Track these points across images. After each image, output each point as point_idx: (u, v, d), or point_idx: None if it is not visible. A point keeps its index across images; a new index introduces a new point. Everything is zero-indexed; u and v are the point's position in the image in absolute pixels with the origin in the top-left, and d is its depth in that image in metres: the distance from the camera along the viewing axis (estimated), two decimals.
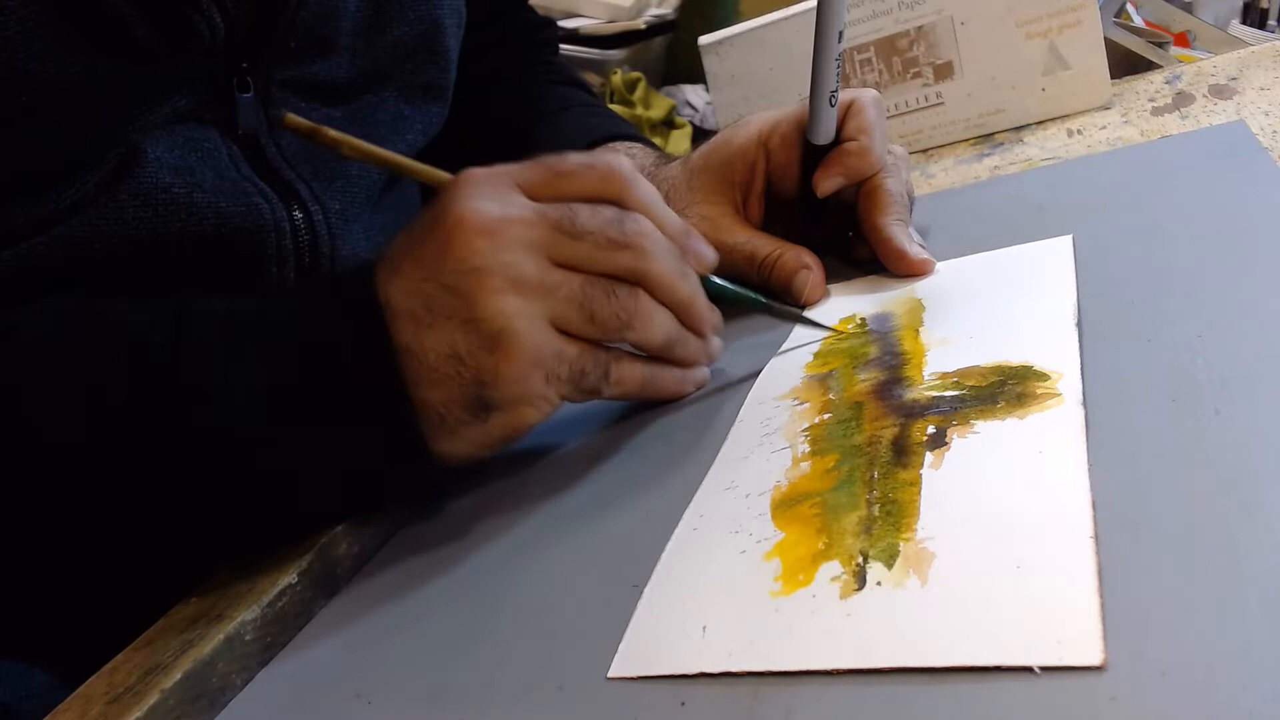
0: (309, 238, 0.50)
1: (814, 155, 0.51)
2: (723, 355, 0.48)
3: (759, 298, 0.47)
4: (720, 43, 0.75)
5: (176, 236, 0.45)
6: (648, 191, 0.40)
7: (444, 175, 0.42)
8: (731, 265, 0.52)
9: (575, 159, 0.39)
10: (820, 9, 0.47)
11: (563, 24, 1.40)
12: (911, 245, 0.48)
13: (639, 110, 1.33)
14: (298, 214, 0.50)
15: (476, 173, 0.38)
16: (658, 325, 0.40)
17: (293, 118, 0.41)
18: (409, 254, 0.38)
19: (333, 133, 0.41)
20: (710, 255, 0.43)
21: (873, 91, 0.51)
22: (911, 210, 0.51)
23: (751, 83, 0.75)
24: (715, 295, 0.44)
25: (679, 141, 1.35)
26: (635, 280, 0.39)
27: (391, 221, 0.58)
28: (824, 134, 0.50)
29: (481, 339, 0.36)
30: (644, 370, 0.42)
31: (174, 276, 0.46)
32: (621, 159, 0.40)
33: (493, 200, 0.37)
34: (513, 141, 0.67)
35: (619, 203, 0.39)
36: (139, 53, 0.43)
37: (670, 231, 0.40)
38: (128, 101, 0.44)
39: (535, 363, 0.37)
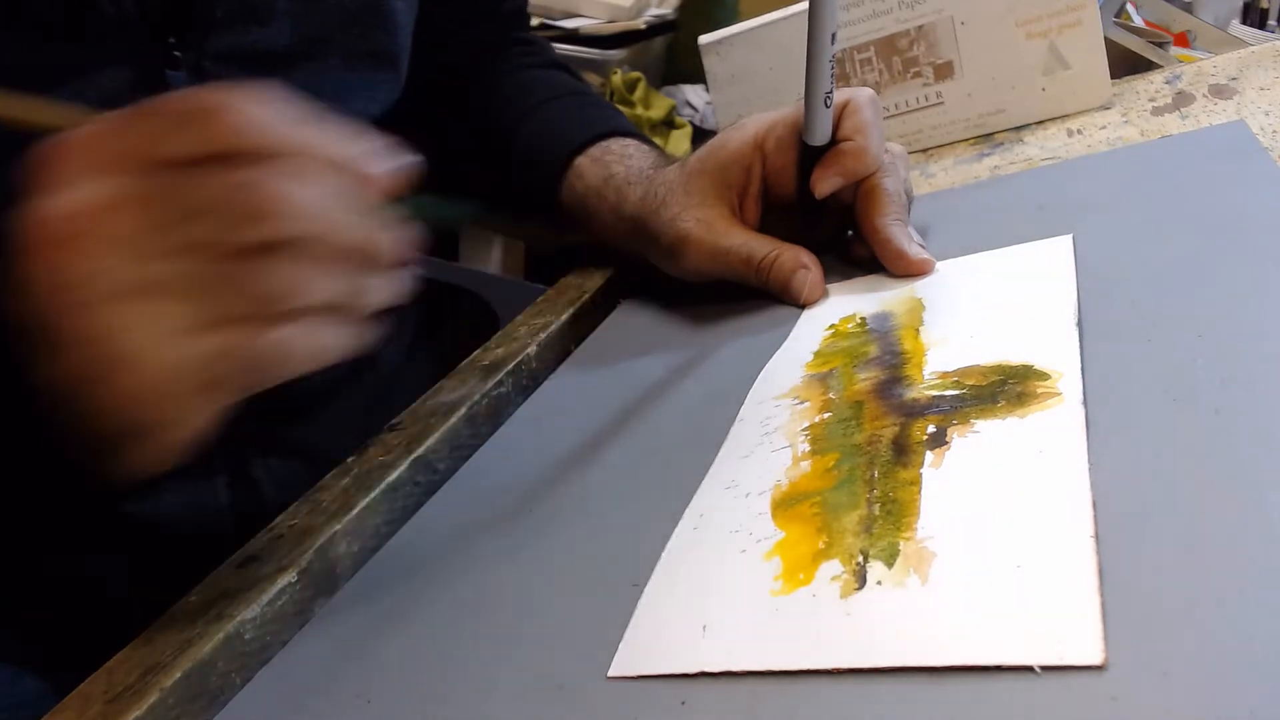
0: None
1: (811, 156, 0.51)
2: (722, 355, 0.48)
3: (466, 209, 0.41)
4: (720, 43, 0.75)
5: None
6: (273, 122, 0.31)
7: (64, 118, 0.34)
8: (729, 268, 0.52)
9: (175, 102, 0.31)
10: (812, 11, 0.47)
11: (562, 24, 1.41)
12: (911, 245, 0.48)
13: (639, 110, 1.33)
14: None
15: (65, 144, 0.31)
16: (325, 288, 0.32)
17: None
18: (14, 254, 0.31)
19: None
20: (384, 173, 0.34)
21: (868, 90, 0.51)
22: (910, 209, 0.51)
23: (751, 83, 0.75)
24: (416, 214, 0.36)
25: (679, 141, 1.35)
26: (284, 246, 0.31)
27: None
28: (820, 135, 0.50)
29: (100, 363, 0.30)
30: (315, 336, 0.33)
31: None
32: (236, 87, 0.31)
33: (75, 190, 0.30)
34: (499, 134, 0.65)
35: (239, 149, 0.30)
36: (48, 29, 0.41)
37: (325, 160, 0.32)
38: (47, 82, 0.42)
39: (172, 376, 0.30)
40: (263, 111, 0.31)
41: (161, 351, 0.30)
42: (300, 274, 0.31)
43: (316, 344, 0.33)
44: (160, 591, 0.40)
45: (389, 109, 0.59)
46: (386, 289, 0.35)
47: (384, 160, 0.34)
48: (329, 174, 0.32)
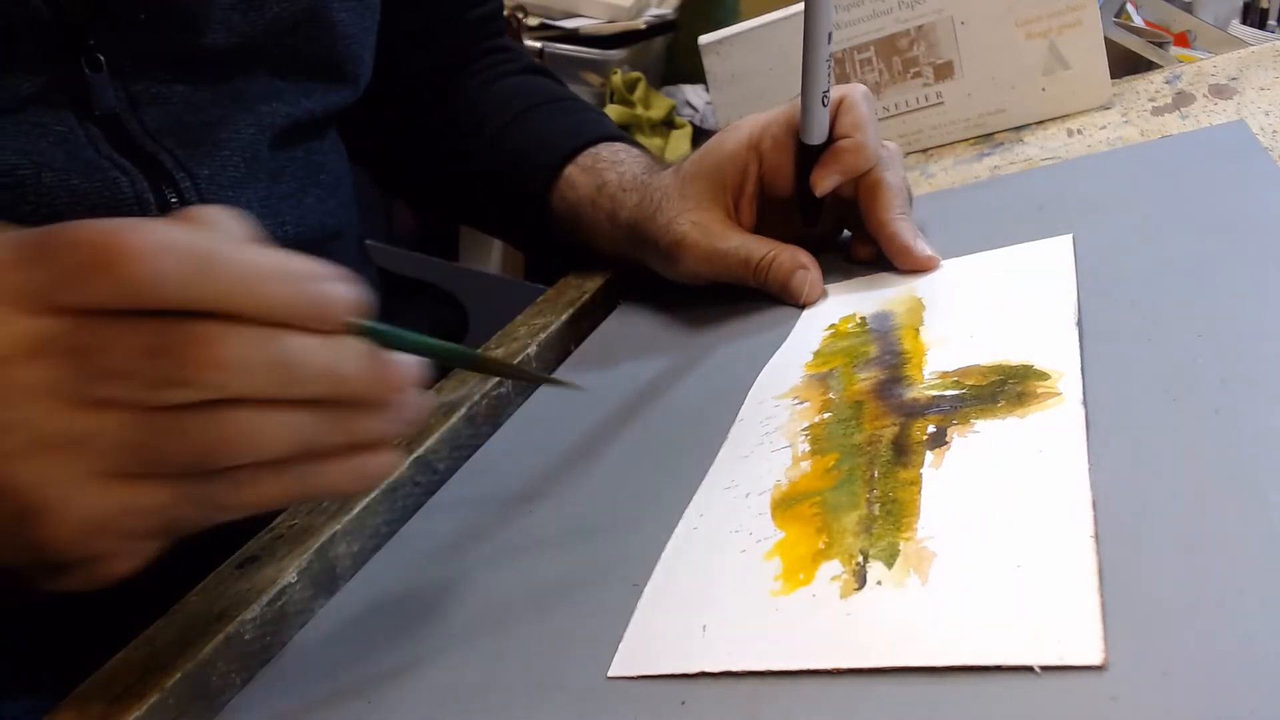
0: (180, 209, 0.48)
1: (808, 155, 0.51)
2: (722, 355, 0.48)
3: (456, 348, 0.35)
4: (720, 43, 0.75)
5: (28, 220, 0.43)
6: (190, 270, 0.28)
7: None
8: (727, 270, 0.52)
9: (76, 247, 0.27)
10: (808, 11, 0.47)
11: (562, 24, 1.41)
12: (917, 241, 0.48)
13: (639, 110, 1.33)
14: (170, 192, 0.47)
15: None
16: (273, 439, 0.29)
17: None
18: None
19: None
20: (336, 302, 0.30)
21: (862, 87, 0.51)
22: (910, 206, 0.51)
23: (751, 83, 0.75)
24: (405, 346, 0.32)
25: (679, 141, 1.35)
26: (218, 403, 0.28)
27: (296, 189, 0.55)
28: (818, 134, 0.50)
29: (14, 511, 0.28)
30: (282, 483, 0.31)
31: None
32: (141, 228, 0.28)
33: None
34: (481, 147, 0.65)
35: (153, 304, 0.27)
36: None
37: (259, 303, 0.29)
38: None
39: (90, 529, 0.29)
40: (175, 258, 0.27)
41: (82, 500, 0.28)
42: (232, 430, 0.28)
43: (267, 493, 0.31)
44: (81, 604, 0.38)
45: (337, 112, 0.58)
46: (375, 428, 0.32)
47: (330, 284, 0.30)
48: (265, 316, 0.29)
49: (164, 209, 0.47)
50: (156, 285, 0.27)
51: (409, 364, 0.32)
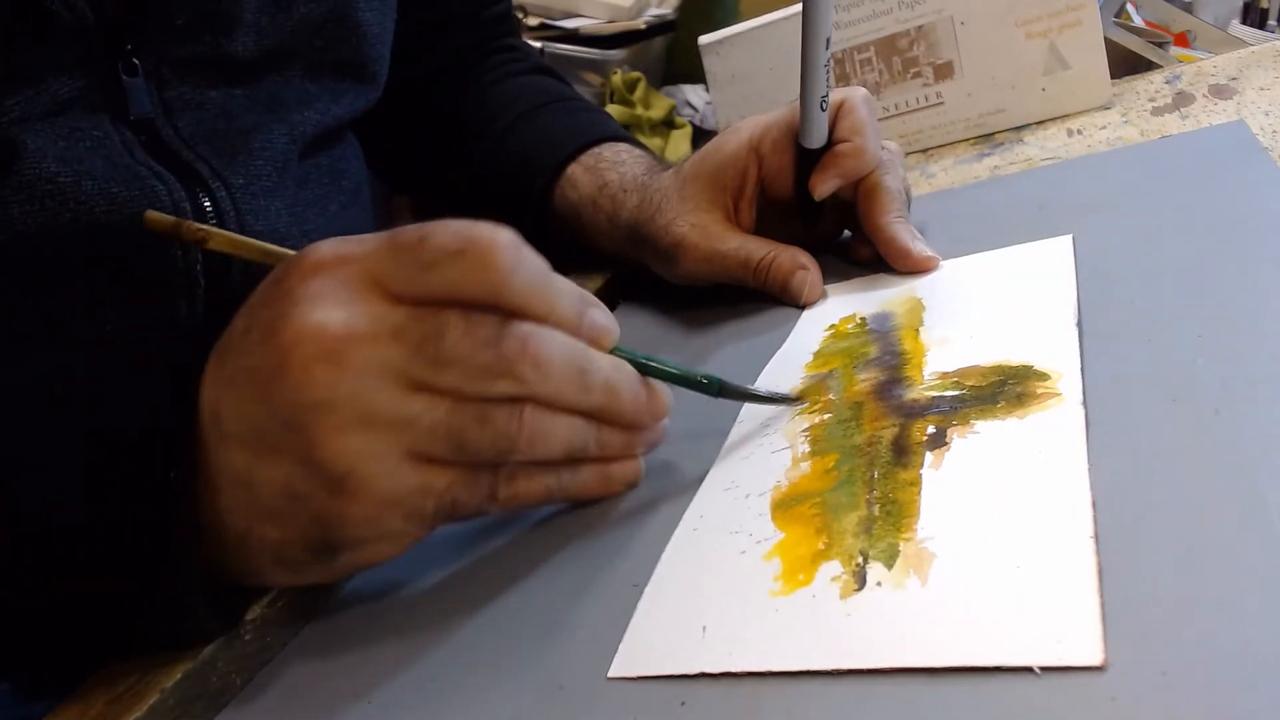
0: (216, 219, 0.48)
1: (808, 158, 0.51)
2: (722, 355, 0.48)
3: (699, 377, 0.39)
4: (720, 43, 0.75)
5: (68, 227, 0.43)
6: (529, 276, 0.31)
7: (285, 253, 0.35)
8: (726, 271, 0.52)
9: (441, 239, 0.31)
10: (806, 16, 0.47)
11: (562, 24, 1.41)
12: (915, 243, 0.48)
13: (639, 110, 1.33)
14: (204, 199, 0.48)
15: (320, 260, 0.32)
16: (554, 439, 0.33)
17: (154, 215, 0.38)
18: (242, 361, 0.32)
19: (197, 225, 0.38)
20: (609, 330, 0.35)
21: (862, 90, 0.51)
22: (909, 207, 0.51)
23: (751, 83, 0.75)
24: (649, 371, 0.37)
25: (679, 142, 1.35)
26: (524, 400, 0.32)
27: (321, 196, 0.56)
28: (816, 138, 0.50)
29: (322, 481, 0.31)
30: (545, 481, 0.35)
31: (73, 267, 0.44)
32: (497, 231, 0.31)
33: (338, 309, 0.30)
34: (486, 145, 0.65)
35: (496, 301, 0.31)
36: (1, 34, 0.41)
37: (560, 318, 0.33)
38: None
39: (389, 504, 0.32)
40: (530, 261, 0.31)
41: (392, 476, 0.31)
42: (527, 427, 0.32)
43: (531, 490, 0.35)
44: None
45: (359, 115, 0.58)
46: (624, 445, 0.37)
47: (601, 315, 0.35)
48: (569, 332, 0.33)
49: (200, 218, 0.47)
50: (512, 281, 0.31)
51: (667, 394, 0.37)
